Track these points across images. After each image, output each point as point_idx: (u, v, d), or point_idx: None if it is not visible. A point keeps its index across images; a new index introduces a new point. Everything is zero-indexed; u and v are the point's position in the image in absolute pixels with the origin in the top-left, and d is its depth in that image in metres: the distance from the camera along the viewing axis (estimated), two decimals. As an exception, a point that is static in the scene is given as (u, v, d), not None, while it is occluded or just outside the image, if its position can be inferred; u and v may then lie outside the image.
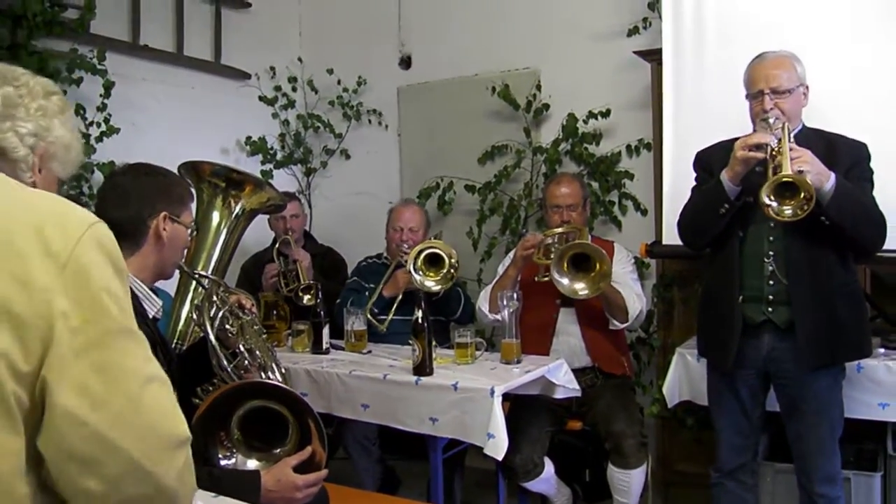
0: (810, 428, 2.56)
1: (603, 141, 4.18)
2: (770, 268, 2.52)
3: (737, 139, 2.55)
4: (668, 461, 3.78)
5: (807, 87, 2.62)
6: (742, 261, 2.55)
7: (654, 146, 3.72)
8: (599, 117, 4.09)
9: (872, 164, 2.57)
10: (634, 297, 3.34)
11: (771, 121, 2.48)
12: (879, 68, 3.00)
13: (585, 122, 4.14)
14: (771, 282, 2.52)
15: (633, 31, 3.98)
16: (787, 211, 2.32)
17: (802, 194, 2.27)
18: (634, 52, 3.84)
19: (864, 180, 2.54)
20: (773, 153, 2.38)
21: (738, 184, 2.48)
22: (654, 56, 3.66)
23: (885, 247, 2.89)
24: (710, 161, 2.68)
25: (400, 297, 3.49)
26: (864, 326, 2.65)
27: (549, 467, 3.24)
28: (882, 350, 2.93)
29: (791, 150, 2.34)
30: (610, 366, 3.39)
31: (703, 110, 3.21)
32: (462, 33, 4.65)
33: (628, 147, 4.11)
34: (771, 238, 2.53)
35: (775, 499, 2.92)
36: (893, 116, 2.96)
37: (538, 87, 4.34)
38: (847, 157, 2.52)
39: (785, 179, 2.29)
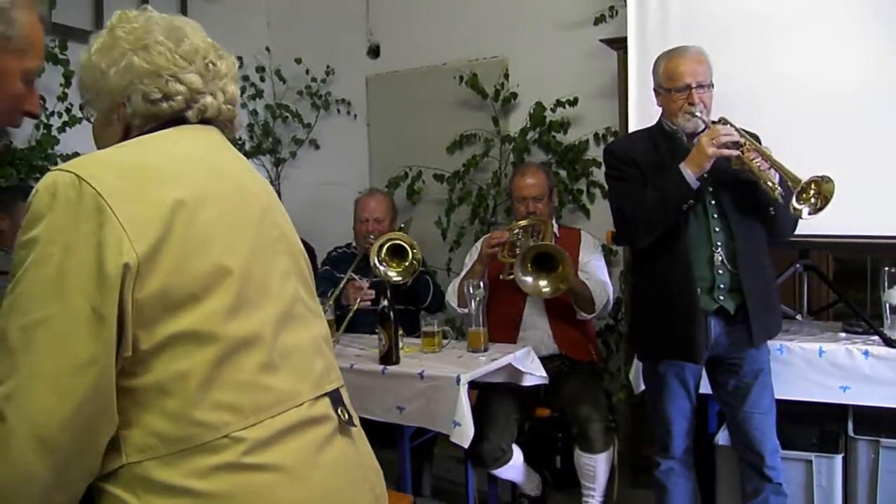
0: (756, 402, 2.65)
1: (571, 129, 4.20)
2: (720, 258, 2.57)
3: (649, 131, 2.69)
4: (637, 446, 3.81)
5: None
6: (690, 253, 2.58)
7: (621, 134, 3.74)
8: (567, 106, 4.10)
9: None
10: (601, 287, 3.36)
11: (698, 114, 2.54)
12: (841, 57, 3.03)
13: (553, 110, 4.15)
14: (720, 271, 2.57)
15: (599, 20, 4.00)
16: (814, 202, 2.43)
17: (816, 190, 2.40)
18: (601, 41, 3.85)
19: None
20: (743, 150, 2.45)
21: (698, 178, 2.50)
22: (620, 44, 3.67)
23: (847, 232, 2.98)
24: (631, 154, 2.68)
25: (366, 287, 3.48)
26: (780, 305, 2.82)
27: (517, 454, 3.25)
28: (843, 334, 2.98)
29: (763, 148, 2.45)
30: (577, 353, 3.42)
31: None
32: (430, 22, 4.64)
33: (596, 135, 4.13)
34: (716, 229, 2.58)
35: (733, 482, 2.95)
36: (858, 105, 3.00)
37: (506, 76, 4.35)
38: None
39: (805, 184, 2.39)
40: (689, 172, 2.48)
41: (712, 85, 2.63)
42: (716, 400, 2.87)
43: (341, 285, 3.47)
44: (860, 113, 2.98)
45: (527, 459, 3.36)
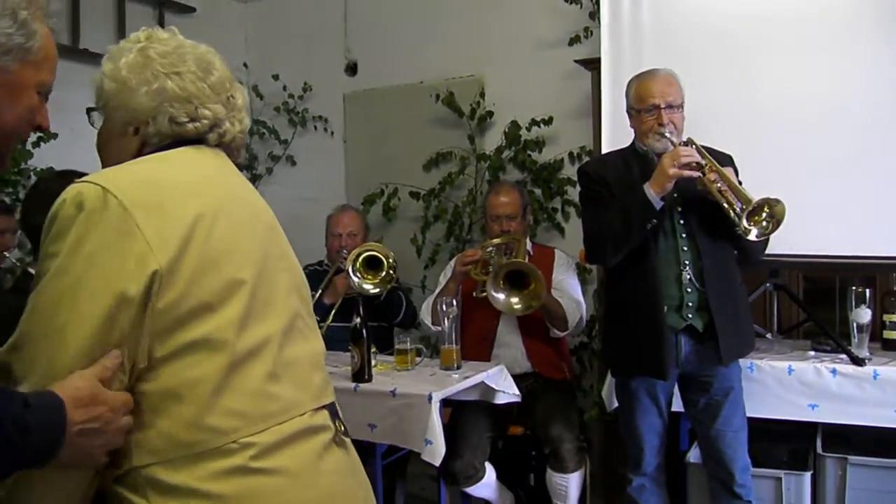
0: (727, 420, 2.67)
1: (545, 148, 4.23)
2: (688, 277, 2.61)
3: (622, 152, 2.74)
4: (611, 464, 3.81)
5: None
6: (658, 272, 2.61)
7: (595, 154, 3.77)
8: (542, 125, 4.14)
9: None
10: (574, 305, 3.38)
11: (667, 134, 2.59)
12: (808, 77, 3.08)
13: (528, 129, 4.19)
14: (689, 289, 2.61)
15: (574, 40, 4.04)
16: (765, 225, 2.48)
17: (769, 211, 2.45)
18: (576, 61, 3.89)
19: None
20: (705, 171, 2.49)
21: (662, 198, 2.54)
22: (594, 65, 3.71)
23: (817, 252, 3.02)
24: (603, 174, 2.73)
25: (339, 302, 3.47)
26: (752, 323, 2.86)
27: (490, 472, 3.25)
28: (812, 353, 3.02)
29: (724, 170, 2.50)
30: (550, 371, 3.43)
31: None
32: (407, 41, 4.67)
33: (570, 154, 4.17)
34: (684, 248, 2.62)
35: (703, 500, 2.97)
36: (826, 125, 3.04)
37: (482, 95, 4.38)
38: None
39: (755, 205, 2.43)
40: (653, 193, 2.52)
41: (682, 106, 2.67)
42: (687, 417, 2.89)
43: (328, 278, 3.47)
44: (831, 133, 3.04)
45: (500, 477, 3.36)
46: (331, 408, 1.37)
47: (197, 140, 1.34)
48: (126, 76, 1.31)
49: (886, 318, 3.09)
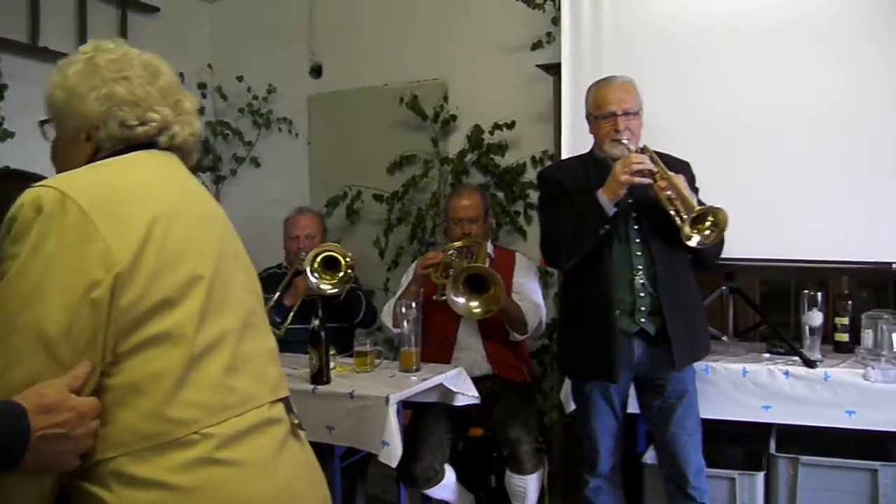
0: (680, 422, 2.71)
1: (508, 152, 4.26)
2: (640, 282, 2.64)
3: (582, 158, 2.77)
4: (571, 466, 3.84)
5: (642, 112, 2.75)
6: (612, 276, 2.64)
7: (556, 158, 3.80)
8: (505, 129, 4.17)
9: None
10: (534, 309, 3.40)
11: (624, 141, 2.62)
12: (765, 83, 3.13)
13: (491, 133, 4.21)
14: (642, 294, 2.64)
15: (537, 45, 4.07)
16: (710, 234, 2.54)
17: (712, 220, 2.51)
18: (538, 66, 3.92)
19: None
20: (656, 177, 2.53)
21: (616, 204, 2.58)
22: (556, 70, 3.73)
23: (772, 256, 3.07)
24: (561, 179, 2.77)
25: (298, 304, 3.46)
26: (707, 328, 2.89)
27: (450, 474, 3.27)
28: (767, 355, 3.07)
29: (673, 175, 2.53)
30: (510, 374, 3.45)
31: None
32: (372, 43, 4.68)
33: (533, 158, 4.20)
34: (638, 253, 2.66)
35: (659, 500, 3.01)
36: (780, 131, 3.10)
37: (445, 98, 4.40)
38: (686, 177, 2.67)
39: (699, 213, 2.49)
40: (605, 199, 2.55)
41: (639, 113, 2.70)
42: (643, 420, 2.93)
43: (286, 280, 3.46)
44: (785, 139, 3.09)
45: (460, 479, 3.38)
46: (286, 401, 1.41)
47: (148, 144, 1.37)
48: (74, 84, 1.34)
49: (838, 321, 3.16)
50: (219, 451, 1.22)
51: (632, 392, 2.85)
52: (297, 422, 1.41)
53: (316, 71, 4.93)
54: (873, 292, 3.50)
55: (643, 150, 2.63)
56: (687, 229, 2.48)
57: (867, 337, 2.97)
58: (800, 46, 3.08)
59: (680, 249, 2.65)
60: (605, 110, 2.68)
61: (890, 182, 2.99)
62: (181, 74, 4.74)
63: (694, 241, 2.52)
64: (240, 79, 4.88)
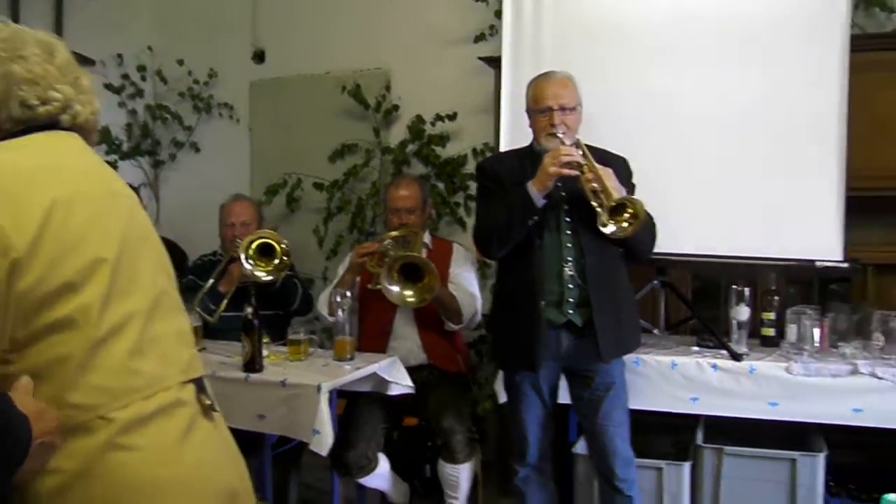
0: (608, 414, 2.74)
1: (450, 143, 4.28)
2: (570, 273, 2.67)
3: (521, 150, 2.78)
4: (505, 455, 3.88)
5: (582, 107, 2.78)
6: (541, 267, 2.67)
7: (497, 151, 3.82)
8: (446, 120, 4.18)
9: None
10: (469, 299, 3.42)
11: (560, 135, 2.64)
12: (702, 84, 3.19)
13: (433, 124, 4.22)
14: (570, 286, 2.66)
15: (479, 38, 4.09)
16: (624, 225, 2.54)
17: (631, 211, 2.51)
18: (479, 58, 3.94)
19: (632, 192, 2.77)
20: (583, 169, 2.55)
21: (545, 196, 2.60)
22: (498, 62, 3.75)
23: (702, 252, 3.13)
24: (497, 171, 2.79)
25: (232, 291, 3.41)
26: (638, 320, 2.93)
27: (384, 463, 3.28)
28: (696, 348, 3.14)
29: (600, 167, 2.55)
30: (445, 363, 3.46)
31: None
32: (316, 30, 4.65)
33: (474, 150, 4.22)
34: (568, 245, 2.68)
35: (590, 490, 3.05)
36: (714, 131, 3.16)
37: (388, 88, 4.39)
38: (619, 172, 2.71)
39: (617, 203, 2.50)
40: (535, 191, 2.58)
41: (576, 108, 2.73)
42: (574, 410, 2.97)
43: (221, 266, 3.42)
44: (717, 137, 3.15)
45: (395, 468, 3.39)
46: (198, 382, 1.40)
47: (49, 125, 1.34)
48: None
49: (764, 316, 3.24)
50: (120, 437, 1.22)
51: (564, 383, 2.88)
52: (209, 402, 1.40)
53: (258, 56, 4.88)
54: (800, 288, 3.59)
55: (576, 144, 2.65)
56: (604, 217, 2.50)
57: (791, 331, 3.05)
58: (734, 47, 3.14)
59: (611, 243, 2.67)
60: (541, 105, 2.71)
61: (816, 182, 3.07)
62: (120, 56, 4.75)
63: (609, 230, 2.53)
64: (180, 62, 4.82)
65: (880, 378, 2.82)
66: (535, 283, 2.64)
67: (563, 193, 2.64)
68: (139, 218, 1.42)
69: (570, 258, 2.66)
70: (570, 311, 2.66)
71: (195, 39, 4.91)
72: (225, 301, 3.31)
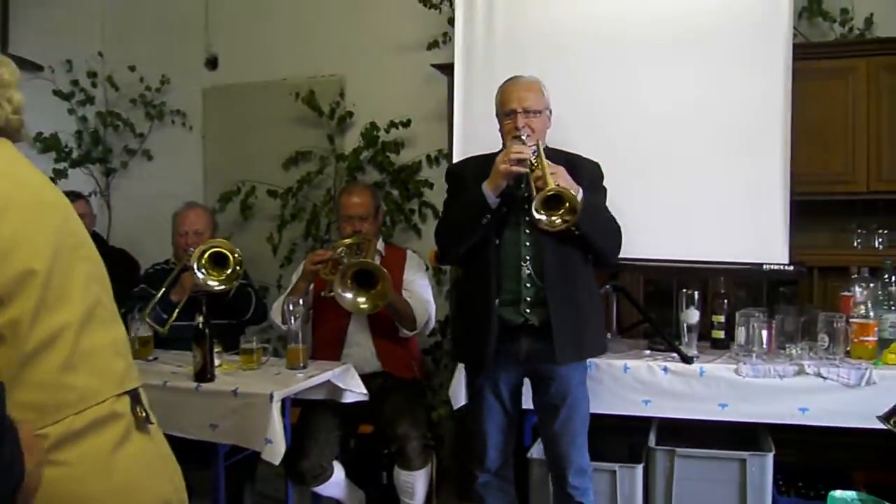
0: (564, 424, 2.72)
1: (404, 150, 4.29)
2: (527, 272, 2.66)
3: (489, 154, 2.74)
4: (462, 461, 3.88)
5: (551, 111, 2.81)
6: (499, 266, 2.68)
7: (452, 158, 3.83)
8: (400, 127, 4.18)
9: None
10: (423, 305, 3.42)
11: (523, 137, 2.65)
12: (654, 90, 3.24)
13: (387, 131, 4.22)
14: (528, 285, 2.66)
15: (433, 45, 4.11)
16: (557, 221, 2.50)
17: (567, 205, 2.47)
18: (432, 65, 3.95)
19: (601, 196, 2.79)
20: (533, 168, 2.56)
21: (498, 195, 2.61)
22: (451, 70, 3.77)
23: (660, 257, 3.17)
24: (461, 174, 2.81)
25: (184, 300, 3.37)
26: (603, 326, 2.92)
27: (338, 471, 3.26)
28: (647, 352, 3.18)
29: (549, 165, 2.54)
30: (399, 370, 3.46)
31: (490, 123, 3.31)
32: (270, 37, 4.63)
33: (428, 157, 4.23)
34: (527, 244, 2.67)
35: (545, 494, 3.07)
36: (665, 137, 3.21)
37: (342, 95, 4.39)
38: (587, 175, 2.73)
39: (552, 192, 2.46)
40: (488, 190, 2.59)
41: (542, 112, 2.74)
42: (536, 414, 2.94)
43: (173, 275, 3.38)
44: (671, 144, 3.19)
45: (352, 476, 3.38)
46: (133, 393, 1.38)
47: None
48: None
49: (714, 318, 3.29)
50: (52, 453, 1.20)
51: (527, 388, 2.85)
52: (144, 415, 1.38)
53: (211, 63, 4.84)
54: (749, 291, 3.66)
55: (536, 147, 2.63)
56: (536, 203, 2.46)
57: (740, 334, 3.10)
58: (681, 54, 3.19)
59: (573, 245, 2.65)
60: (506, 108, 2.73)
61: (763, 188, 3.13)
62: (69, 62, 4.68)
63: (540, 217, 2.48)
64: (132, 68, 4.76)
65: (825, 378, 2.88)
66: (492, 281, 2.65)
67: (527, 195, 2.63)
68: (72, 226, 1.37)
69: (528, 257, 2.66)
70: (527, 311, 2.65)
71: (147, 45, 4.86)
72: (176, 311, 3.26)
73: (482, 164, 2.75)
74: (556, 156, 2.75)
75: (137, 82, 4.81)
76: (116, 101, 4.88)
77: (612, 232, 2.73)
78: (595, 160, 2.82)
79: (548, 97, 2.80)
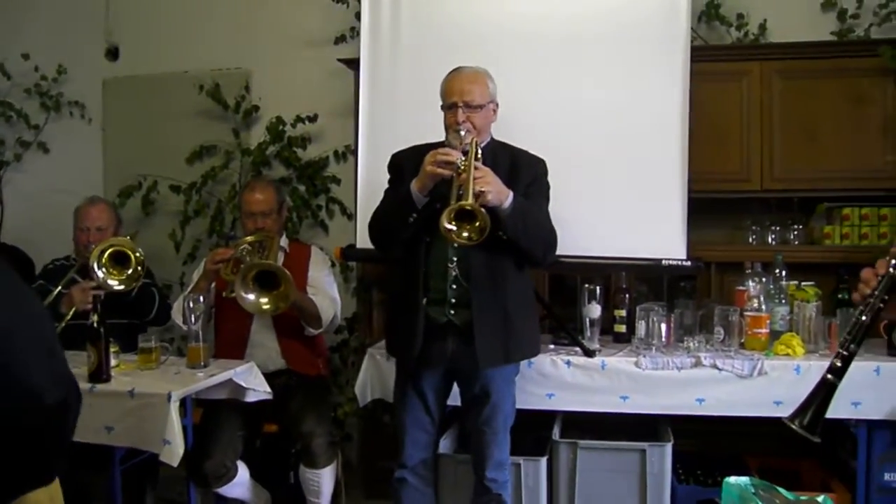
0: (486, 420, 2.74)
1: (311, 145, 4.24)
2: (454, 272, 2.64)
3: (431, 144, 2.68)
4: (370, 458, 3.88)
5: (496, 104, 2.78)
6: (428, 265, 2.66)
7: (359, 153, 3.80)
8: (307, 122, 4.14)
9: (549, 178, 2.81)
10: (328, 303, 3.38)
11: (462, 133, 2.60)
12: (558, 89, 3.28)
13: (294, 125, 4.16)
14: (454, 285, 2.64)
15: (340, 39, 4.07)
16: (465, 235, 2.44)
17: (478, 223, 2.40)
18: (339, 60, 3.92)
19: (541, 195, 2.77)
20: (460, 171, 2.49)
21: (426, 194, 2.58)
22: (357, 65, 3.74)
23: (564, 253, 3.21)
24: (402, 164, 2.76)
25: (70, 314, 3.21)
26: (535, 329, 2.88)
27: (242, 471, 3.20)
28: (552, 346, 3.23)
29: (476, 169, 2.47)
30: (304, 368, 3.41)
31: (397, 119, 3.33)
32: (173, 28, 4.51)
33: (335, 152, 4.20)
34: (455, 244, 2.59)
35: (456, 490, 3.09)
36: (568, 134, 3.25)
37: (247, 89, 4.32)
38: (528, 172, 2.72)
39: (466, 208, 2.39)
40: (415, 189, 2.56)
41: (485, 106, 2.69)
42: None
43: (57, 290, 3.24)
44: (577, 142, 3.24)
45: (258, 476, 3.32)
46: None
47: None
48: None
49: (616, 312, 3.37)
50: None
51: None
52: None
53: (112, 53, 4.68)
54: (650, 286, 3.75)
55: (470, 144, 2.57)
56: (444, 215, 2.40)
57: (640, 327, 3.18)
58: (589, 57, 3.26)
59: (503, 246, 2.60)
60: (447, 100, 2.69)
61: (662, 185, 3.23)
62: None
63: (448, 227, 2.41)
64: (26, 56, 4.56)
65: (720, 369, 2.99)
66: (419, 279, 2.64)
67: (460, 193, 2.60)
68: None
69: (455, 258, 2.63)
70: (451, 312, 2.64)
71: (42, 33, 4.67)
72: (65, 321, 3.12)
73: (421, 155, 2.65)
74: (502, 151, 2.75)
75: (32, 71, 4.60)
76: (9, 90, 4.66)
77: (542, 235, 2.68)
78: (541, 157, 2.79)
79: (493, 89, 2.74)
